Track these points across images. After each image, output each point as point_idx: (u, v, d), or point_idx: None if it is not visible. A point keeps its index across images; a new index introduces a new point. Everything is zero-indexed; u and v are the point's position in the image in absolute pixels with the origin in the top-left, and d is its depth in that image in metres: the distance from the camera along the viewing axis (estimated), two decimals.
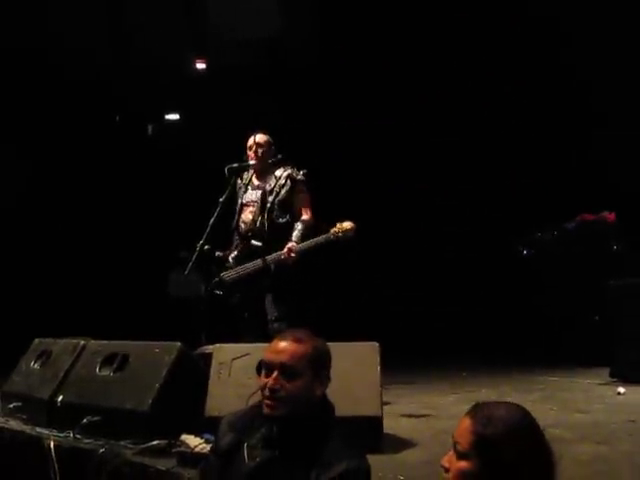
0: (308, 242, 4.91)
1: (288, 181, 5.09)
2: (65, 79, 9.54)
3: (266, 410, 2.38)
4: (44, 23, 9.00)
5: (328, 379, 2.48)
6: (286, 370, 2.36)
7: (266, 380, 2.38)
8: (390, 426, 3.85)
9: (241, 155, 5.28)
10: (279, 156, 5.22)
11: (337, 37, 9.78)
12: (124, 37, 9.99)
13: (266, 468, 2.36)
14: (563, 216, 7.90)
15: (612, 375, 5.94)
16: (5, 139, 9.25)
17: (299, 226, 5.02)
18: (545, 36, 8.63)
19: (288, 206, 5.09)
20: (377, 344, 3.82)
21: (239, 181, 5.31)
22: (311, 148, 9.21)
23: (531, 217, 8.48)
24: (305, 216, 5.07)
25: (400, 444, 3.78)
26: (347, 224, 4.87)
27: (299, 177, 5.11)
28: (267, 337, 4.73)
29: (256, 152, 5.15)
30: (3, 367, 5.07)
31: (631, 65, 7.92)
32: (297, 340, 2.43)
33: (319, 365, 2.44)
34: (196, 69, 10.62)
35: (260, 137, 5.20)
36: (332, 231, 4.86)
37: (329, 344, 3.81)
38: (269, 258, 4.91)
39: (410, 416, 4.67)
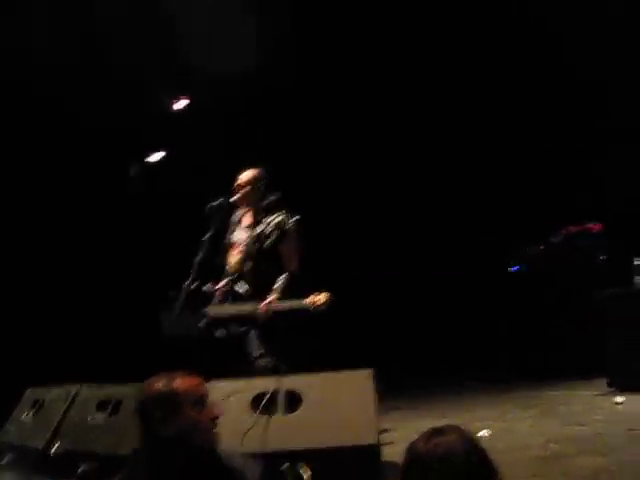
0: (284, 304, 4.79)
1: (276, 231, 4.99)
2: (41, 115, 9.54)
3: None
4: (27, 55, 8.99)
5: None
6: None
7: None
8: (388, 454, 3.81)
9: (229, 190, 5.25)
10: (272, 198, 5.13)
11: (314, 66, 9.85)
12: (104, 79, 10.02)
13: None
14: (548, 229, 7.93)
15: (610, 385, 5.94)
16: None
17: (281, 278, 4.91)
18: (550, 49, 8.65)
19: (274, 255, 4.99)
20: (371, 371, 3.79)
21: (231, 218, 5.27)
22: (300, 175, 9.30)
23: (517, 231, 8.52)
24: (290, 267, 4.96)
25: (399, 473, 3.73)
26: (321, 299, 4.69)
27: (288, 227, 5.00)
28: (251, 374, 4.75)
29: (240, 192, 5.09)
30: None
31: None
32: None
33: None
34: (175, 107, 10.65)
35: (245, 176, 5.12)
36: (305, 302, 4.72)
37: (322, 374, 3.87)
38: (247, 307, 4.85)
39: (408, 440, 4.62)
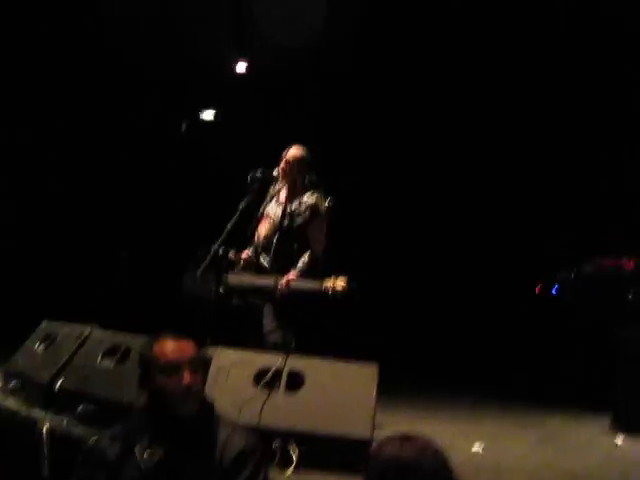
0: (303, 283, 4.82)
1: (308, 211, 5.01)
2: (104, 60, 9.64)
3: None
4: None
5: None
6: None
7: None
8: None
9: (275, 161, 5.27)
10: (311, 177, 5.13)
11: (379, 48, 9.77)
12: (167, 32, 10.07)
13: (165, 464, 2.43)
14: (581, 255, 7.83)
15: (614, 423, 5.88)
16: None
17: (305, 257, 4.96)
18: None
19: (302, 234, 5.02)
20: (376, 366, 3.82)
21: (271, 188, 5.28)
22: (345, 159, 9.29)
23: (550, 253, 8.45)
24: (314, 247, 5.00)
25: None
26: (340, 283, 4.70)
27: (321, 209, 5.02)
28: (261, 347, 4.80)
29: (284, 168, 5.09)
30: (11, 345, 5.15)
31: None
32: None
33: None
34: (236, 70, 10.67)
35: (293, 154, 5.10)
36: (324, 285, 4.72)
37: (329, 360, 3.90)
38: (267, 281, 4.90)
39: None
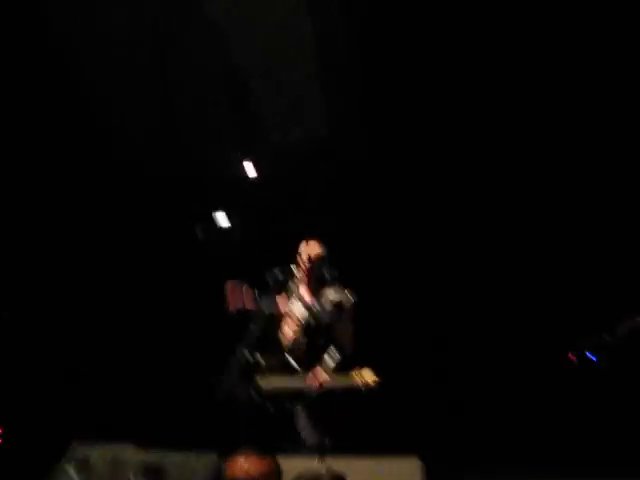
0: (336, 382, 4.79)
1: (334, 309, 5.01)
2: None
3: None
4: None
5: None
6: None
7: None
8: None
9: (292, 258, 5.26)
10: (333, 272, 5.13)
11: (384, 139, 9.85)
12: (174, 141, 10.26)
13: None
14: (611, 316, 7.63)
15: None
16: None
17: (335, 356, 4.91)
18: None
19: (330, 332, 5.01)
20: (418, 459, 3.69)
21: (290, 282, 5.24)
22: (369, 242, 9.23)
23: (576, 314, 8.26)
24: (344, 346, 4.96)
25: None
26: (370, 377, 4.68)
27: (346, 305, 5.03)
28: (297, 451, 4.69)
29: (309, 267, 5.10)
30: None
31: None
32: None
33: None
34: (245, 172, 10.79)
35: (316, 253, 5.13)
36: (355, 381, 4.69)
37: (369, 459, 3.78)
38: (298, 382, 4.87)
39: None
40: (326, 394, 4.81)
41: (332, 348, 4.97)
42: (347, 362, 4.95)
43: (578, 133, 8.61)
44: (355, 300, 5.08)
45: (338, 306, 5.02)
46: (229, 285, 5.10)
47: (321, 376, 4.81)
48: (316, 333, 5.02)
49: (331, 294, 5.08)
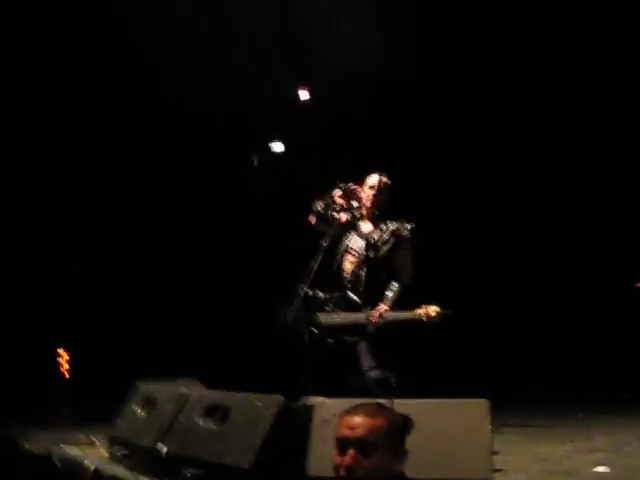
0: (396, 313, 4.75)
1: (392, 238, 4.93)
2: (170, 106, 9.71)
3: None
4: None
5: (405, 454, 2.29)
6: (363, 446, 2.17)
7: (341, 459, 2.20)
8: None
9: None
10: (390, 205, 5.05)
11: (437, 65, 9.56)
12: (228, 66, 10.11)
13: None
14: None
15: None
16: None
17: (394, 287, 4.86)
18: None
19: (389, 263, 4.93)
20: (487, 401, 3.60)
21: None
22: (417, 181, 9.07)
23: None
24: (404, 277, 4.90)
25: None
26: (433, 310, 4.61)
27: (405, 234, 4.93)
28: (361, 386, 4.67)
29: (374, 195, 5.00)
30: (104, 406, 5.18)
31: None
32: (372, 413, 2.24)
33: (396, 439, 2.26)
34: (299, 99, 10.63)
35: (382, 179, 5.01)
36: (417, 312, 4.65)
37: (436, 400, 3.71)
38: (352, 316, 4.83)
39: (522, 470, 4.41)
40: (387, 325, 4.75)
41: (393, 282, 4.90)
42: (407, 296, 4.89)
43: None
44: (414, 229, 4.99)
45: (397, 236, 4.94)
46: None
47: (382, 309, 4.76)
48: (376, 265, 4.94)
49: (389, 225, 4.99)
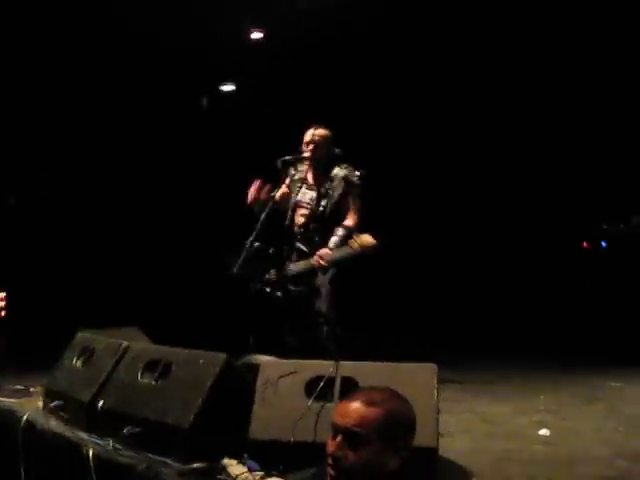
0: (336, 253, 4.79)
1: (342, 183, 4.90)
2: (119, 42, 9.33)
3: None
4: None
5: (406, 451, 2.15)
6: (351, 437, 2.07)
7: (330, 444, 2.10)
8: (443, 448, 3.59)
9: (298, 142, 5.11)
10: (337, 151, 5.02)
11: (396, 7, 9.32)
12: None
13: None
14: (629, 208, 7.52)
15: None
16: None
17: (339, 232, 4.88)
18: None
19: (341, 210, 4.94)
20: (435, 366, 3.55)
21: (292, 171, 5.16)
22: (368, 126, 8.94)
23: (597, 207, 8.12)
24: (349, 221, 4.92)
25: (456, 475, 3.54)
26: (366, 239, 4.63)
27: (354, 179, 4.91)
28: (315, 340, 4.66)
29: (313, 148, 5.00)
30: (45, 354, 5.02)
31: None
32: (369, 402, 2.13)
33: (393, 434, 2.12)
34: (252, 39, 10.32)
35: (319, 132, 5.03)
36: (354, 246, 4.66)
37: (379, 363, 3.64)
38: (301, 264, 4.90)
39: (466, 432, 4.41)
40: (331, 265, 4.84)
41: (338, 228, 4.93)
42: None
43: None
44: (364, 175, 5.00)
45: (346, 180, 4.96)
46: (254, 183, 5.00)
47: (323, 252, 4.82)
48: (326, 213, 4.97)
49: (337, 171, 5.01)
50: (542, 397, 5.52)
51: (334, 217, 4.97)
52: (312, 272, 4.91)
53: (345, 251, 4.72)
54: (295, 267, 5.01)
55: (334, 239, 4.87)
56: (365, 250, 4.62)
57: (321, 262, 4.79)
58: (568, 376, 6.44)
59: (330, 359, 3.63)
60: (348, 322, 4.87)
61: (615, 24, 8.02)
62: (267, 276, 4.97)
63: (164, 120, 10.06)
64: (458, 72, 9.17)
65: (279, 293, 4.90)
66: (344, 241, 4.82)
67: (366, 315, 5.77)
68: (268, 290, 4.89)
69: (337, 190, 4.95)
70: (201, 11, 9.26)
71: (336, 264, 4.84)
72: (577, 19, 8.12)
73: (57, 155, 9.58)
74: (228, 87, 11.10)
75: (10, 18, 8.48)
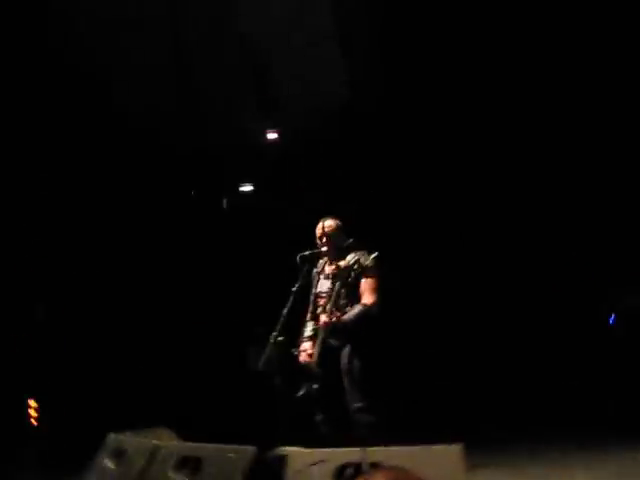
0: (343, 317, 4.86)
1: (357, 265, 4.98)
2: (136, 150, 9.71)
3: None
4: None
5: None
6: None
7: None
8: None
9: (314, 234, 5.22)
10: (350, 240, 5.14)
11: (406, 101, 9.70)
12: (194, 112, 10.13)
13: None
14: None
15: None
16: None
17: (356, 309, 4.91)
18: None
19: (354, 292, 4.99)
20: (460, 446, 3.59)
21: (314, 269, 5.26)
22: (386, 212, 9.13)
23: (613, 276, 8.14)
24: (366, 300, 4.95)
25: None
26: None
27: (367, 263, 4.98)
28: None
29: (326, 241, 5.12)
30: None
31: None
32: None
33: None
34: (268, 139, 10.69)
35: (328, 224, 5.17)
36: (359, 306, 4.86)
37: (410, 447, 3.68)
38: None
39: None
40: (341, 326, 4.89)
41: (356, 305, 4.96)
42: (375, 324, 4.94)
43: None
44: (378, 260, 5.02)
45: (360, 263, 4.98)
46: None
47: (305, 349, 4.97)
48: (341, 295, 4.97)
49: (351, 257, 5.06)
50: (578, 475, 5.46)
51: (348, 299, 4.98)
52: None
53: (351, 312, 4.84)
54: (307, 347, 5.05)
55: (349, 314, 4.90)
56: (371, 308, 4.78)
57: (325, 323, 4.84)
58: (604, 450, 6.35)
59: (359, 445, 3.67)
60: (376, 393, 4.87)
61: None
62: (290, 368, 4.98)
63: (191, 222, 10.34)
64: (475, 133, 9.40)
65: (315, 386, 4.90)
66: (358, 317, 4.88)
67: (389, 388, 5.74)
68: (291, 382, 4.91)
69: (351, 274, 4.98)
70: (218, 118, 9.70)
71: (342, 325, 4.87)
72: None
73: (92, 260, 9.82)
74: (246, 187, 11.45)
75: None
